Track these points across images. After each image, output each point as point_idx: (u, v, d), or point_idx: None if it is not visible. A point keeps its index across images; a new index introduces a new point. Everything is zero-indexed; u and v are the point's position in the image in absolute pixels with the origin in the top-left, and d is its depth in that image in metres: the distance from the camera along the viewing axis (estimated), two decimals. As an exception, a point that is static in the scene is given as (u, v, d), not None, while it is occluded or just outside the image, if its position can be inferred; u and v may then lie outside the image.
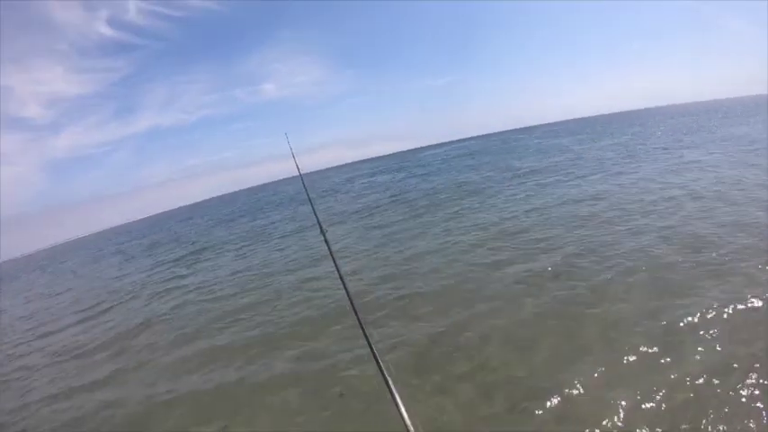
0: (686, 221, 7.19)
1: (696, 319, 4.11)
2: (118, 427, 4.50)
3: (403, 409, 1.35)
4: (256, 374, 4.83)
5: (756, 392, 3.03)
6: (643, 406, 3.12)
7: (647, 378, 3.38)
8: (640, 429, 2.92)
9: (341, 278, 2.53)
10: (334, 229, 12.23)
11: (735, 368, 3.33)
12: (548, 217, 9.08)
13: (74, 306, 11.70)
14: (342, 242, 10.70)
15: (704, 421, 2.88)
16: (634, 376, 3.47)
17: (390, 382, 1.48)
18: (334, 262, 2.62)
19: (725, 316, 4.09)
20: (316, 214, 2.88)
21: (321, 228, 2.71)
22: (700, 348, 3.66)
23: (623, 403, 3.17)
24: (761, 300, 4.23)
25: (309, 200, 3.23)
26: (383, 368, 1.57)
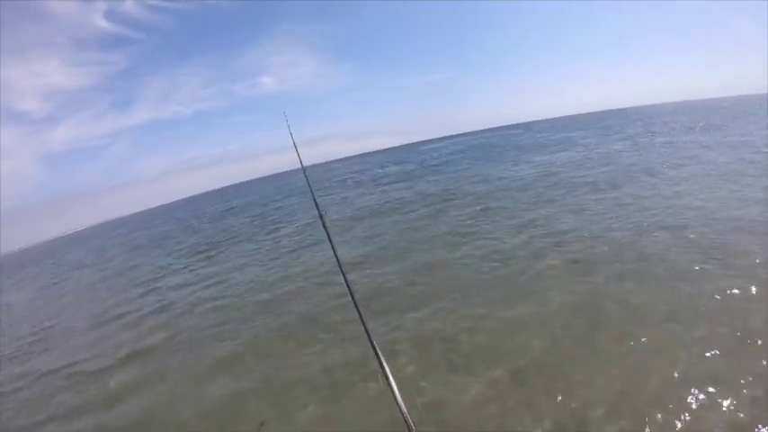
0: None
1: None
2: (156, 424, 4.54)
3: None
4: (285, 370, 4.90)
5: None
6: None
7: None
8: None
9: (338, 263, 2.57)
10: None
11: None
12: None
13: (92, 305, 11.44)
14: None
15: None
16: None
17: (388, 371, 1.52)
18: (332, 246, 2.66)
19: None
20: (314, 199, 2.92)
21: (319, 212, 2.75)
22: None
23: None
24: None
25: (309, 187, 3.26)
26: (380, 357, 1.61)
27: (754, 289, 4.56)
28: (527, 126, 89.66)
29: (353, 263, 8.11)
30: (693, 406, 3.11)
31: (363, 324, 1.82)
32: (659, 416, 3.07)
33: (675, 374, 3.43)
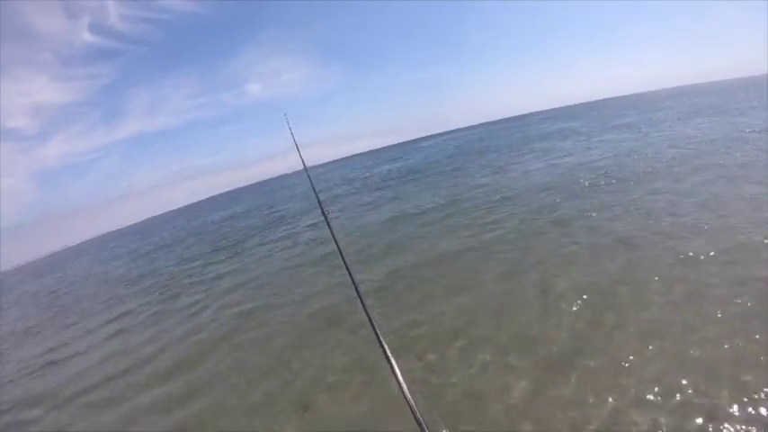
0: None
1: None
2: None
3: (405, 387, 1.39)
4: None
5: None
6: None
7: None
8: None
9: (342, 258, 2.58)
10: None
11: None
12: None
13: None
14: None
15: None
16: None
17: (392, 359, 1.53)
18: (336, 243, 2.67)
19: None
20: (316, 195, 2.92)
21: (322, 208, 2.75)
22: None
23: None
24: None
25: (311, 183, 3.26)
26: (384, 345, 1.61)
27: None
28: (522, 119, 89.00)
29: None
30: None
31: (372, 324, 1.81)
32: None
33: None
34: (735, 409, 2.93)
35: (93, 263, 28.29)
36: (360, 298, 2.02)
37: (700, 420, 2.90)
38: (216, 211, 41.74)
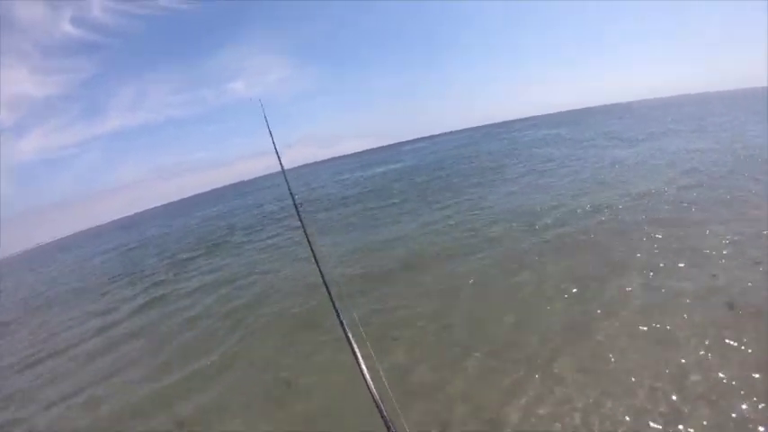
0: None
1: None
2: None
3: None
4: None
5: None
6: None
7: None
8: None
9: (313, 254, 2.60)
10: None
11: None
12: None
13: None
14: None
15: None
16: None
17: (358, 353, 1.57)
18: (307, 238, 2.69)
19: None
20: (291, 194, 2.94)
21: (295, 203, 2.77)
22: None
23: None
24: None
25: (287, 183, 3.27)
26: (351, 340, 1.65)
27: None
28: (506, 125, 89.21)
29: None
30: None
31: (339, 317, 1.81)
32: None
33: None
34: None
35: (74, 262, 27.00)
36: (329, 293, 2.02)
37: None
38: (206, 208, 40.58)
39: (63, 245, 67.47)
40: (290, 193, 2.85)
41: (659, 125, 24.35)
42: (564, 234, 7.21)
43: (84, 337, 8.00)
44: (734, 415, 2.89)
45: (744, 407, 2.93)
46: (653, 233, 6.41)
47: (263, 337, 5.88)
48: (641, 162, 12.85)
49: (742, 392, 3.04)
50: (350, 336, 1.65)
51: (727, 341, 3.63)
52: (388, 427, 1.25)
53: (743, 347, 3.52)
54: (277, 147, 3.88)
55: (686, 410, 2.97)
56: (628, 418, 2.99)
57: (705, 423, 2.86)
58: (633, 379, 3.34)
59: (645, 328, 4.01)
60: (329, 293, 1.98)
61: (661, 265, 5.31)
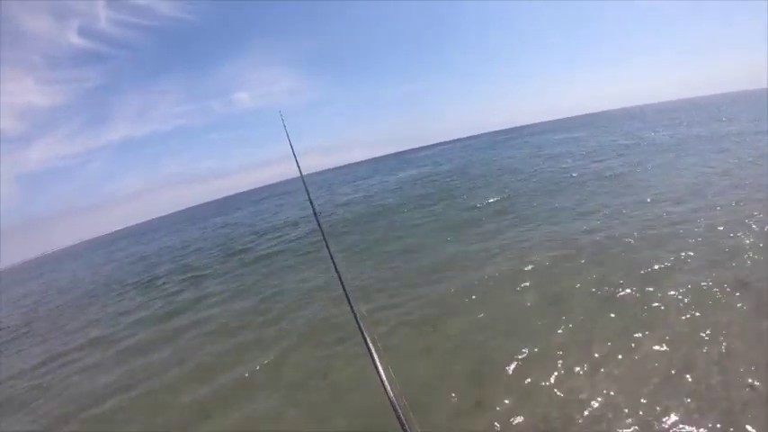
0: None
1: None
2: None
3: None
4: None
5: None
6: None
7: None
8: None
9: (331, 257, 2.74)
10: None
11: None
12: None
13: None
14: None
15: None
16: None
17: (373, 351, 1.60)
18: (326, 243, 2.83)
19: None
20: (310, 199, 3.08)
21: (315, 211, 2.91)
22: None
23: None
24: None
25: (305, 187, 3.42)
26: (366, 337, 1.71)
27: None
28: (519, 131, 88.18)
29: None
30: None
31: (354, 314, 1.94)
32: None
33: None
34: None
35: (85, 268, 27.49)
36: (346, 295, 2.15)
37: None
38: (217, 216, 40.83)
39: (71, 252, 68.28)
40: (310, 201, 2.99)
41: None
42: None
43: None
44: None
45: None
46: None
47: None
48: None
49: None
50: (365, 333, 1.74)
51: None
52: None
53: None
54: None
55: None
56: None
57: None
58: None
59: None
60: (351, 306, 1.99)
61: None
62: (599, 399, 3.36)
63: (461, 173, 23.07)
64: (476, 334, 4.80)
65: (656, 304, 4.66)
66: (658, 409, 3.17)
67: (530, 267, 6.42)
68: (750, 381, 3.27)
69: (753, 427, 2.88)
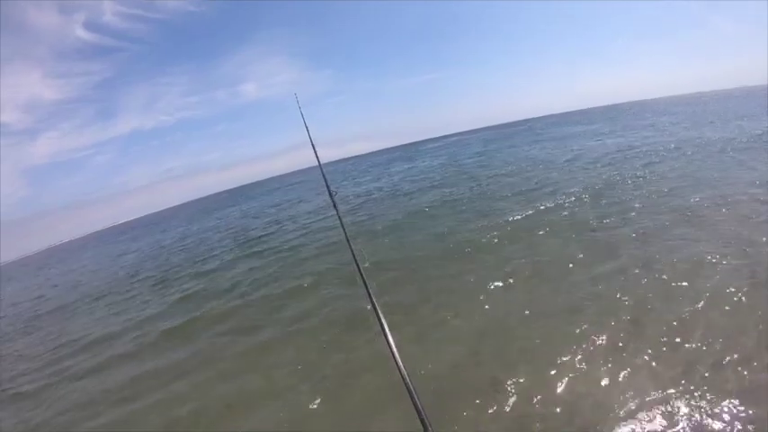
0: None
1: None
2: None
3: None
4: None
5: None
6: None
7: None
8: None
9: (347, 239, 2.61)
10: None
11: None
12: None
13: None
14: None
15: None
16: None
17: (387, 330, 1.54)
18: (341, 223, 2.70)
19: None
20: (324, 178, 2.96)
21: (329, 191, 2.80)
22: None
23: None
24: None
25: (320, 167, 3.31)
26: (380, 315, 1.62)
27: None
28: (525, 123, 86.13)
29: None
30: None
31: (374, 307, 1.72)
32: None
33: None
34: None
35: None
36: (366, 287, 1.89)
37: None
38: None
39: (81, 244, 69.30)
40: (326, 185, 2.87)
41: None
42: None
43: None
44: None
45: None
46: None
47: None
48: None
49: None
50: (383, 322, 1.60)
51: None
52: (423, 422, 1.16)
53: None
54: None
55: None
56: None
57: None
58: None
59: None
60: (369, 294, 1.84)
61: None
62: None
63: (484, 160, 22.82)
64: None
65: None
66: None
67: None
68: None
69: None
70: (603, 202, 8.83)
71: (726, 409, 2.92)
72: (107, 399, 5.34)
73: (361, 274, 2.09)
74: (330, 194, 2.73)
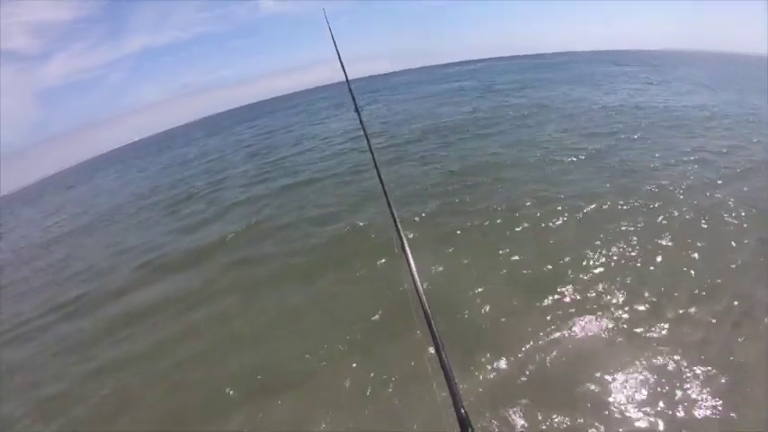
0: None
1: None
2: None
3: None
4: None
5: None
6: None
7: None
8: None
9: (373, 159, 2.55)
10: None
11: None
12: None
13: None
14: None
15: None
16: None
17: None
18: (368, 142, 2.63)
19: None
20: (351, 92, 2.81)
21: (356, 106, 2.67)
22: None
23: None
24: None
25: (347, 81, 3.12)
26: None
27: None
28: (541, 57, 71.97)
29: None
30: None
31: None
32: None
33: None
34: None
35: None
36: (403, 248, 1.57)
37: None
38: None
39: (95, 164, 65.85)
40: (353, 100, 2.73)
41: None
42: None
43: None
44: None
45: None
46: None
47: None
48: None
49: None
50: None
51: None
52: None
53: None
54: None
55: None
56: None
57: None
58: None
59: None
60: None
61: None
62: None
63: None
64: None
65: None
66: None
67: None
68: None
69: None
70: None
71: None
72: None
73: (385, 192, 2.07)
74: (357, 109, 2.62)
